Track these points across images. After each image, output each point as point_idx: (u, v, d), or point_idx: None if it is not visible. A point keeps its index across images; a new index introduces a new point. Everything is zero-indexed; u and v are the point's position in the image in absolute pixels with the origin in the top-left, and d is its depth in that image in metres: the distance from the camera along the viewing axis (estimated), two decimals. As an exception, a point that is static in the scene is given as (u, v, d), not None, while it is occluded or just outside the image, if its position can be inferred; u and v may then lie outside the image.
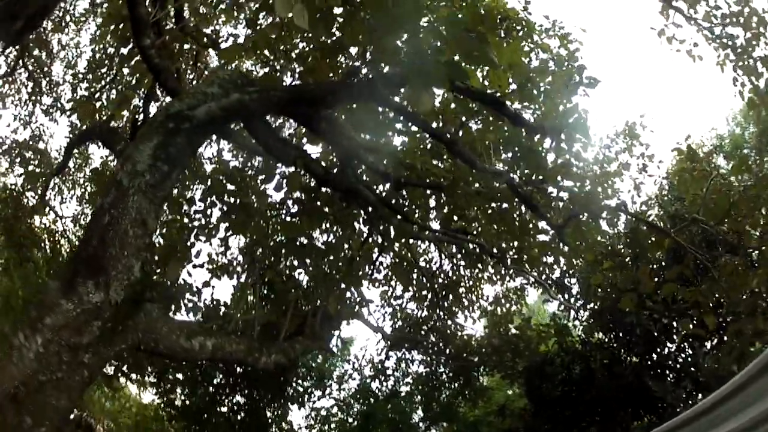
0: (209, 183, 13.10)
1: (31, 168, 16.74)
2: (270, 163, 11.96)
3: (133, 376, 20.74)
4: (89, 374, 6.68)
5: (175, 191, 13.11)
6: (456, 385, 18.74)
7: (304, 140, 11.40)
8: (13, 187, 16.90)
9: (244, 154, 12.74)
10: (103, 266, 6.81)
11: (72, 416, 22.79)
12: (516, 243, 11.62)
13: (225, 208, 12.30)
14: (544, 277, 14.31)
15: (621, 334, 14.73)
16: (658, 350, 14.66)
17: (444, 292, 16.16)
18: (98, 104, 14.53)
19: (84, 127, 14.48)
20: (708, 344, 14.22)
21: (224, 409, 21.63)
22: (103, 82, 15.11)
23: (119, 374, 20.12)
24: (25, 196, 16.55)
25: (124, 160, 7.69)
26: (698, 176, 13.63)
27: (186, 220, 13.24)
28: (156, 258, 12.49)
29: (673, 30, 11.77)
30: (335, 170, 10.50)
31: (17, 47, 16.19)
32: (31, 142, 17.30)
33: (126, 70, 14.11)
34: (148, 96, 12.58)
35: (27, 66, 16.53)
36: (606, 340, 15.19)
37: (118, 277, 6.77)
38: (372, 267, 14.83)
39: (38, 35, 16.91)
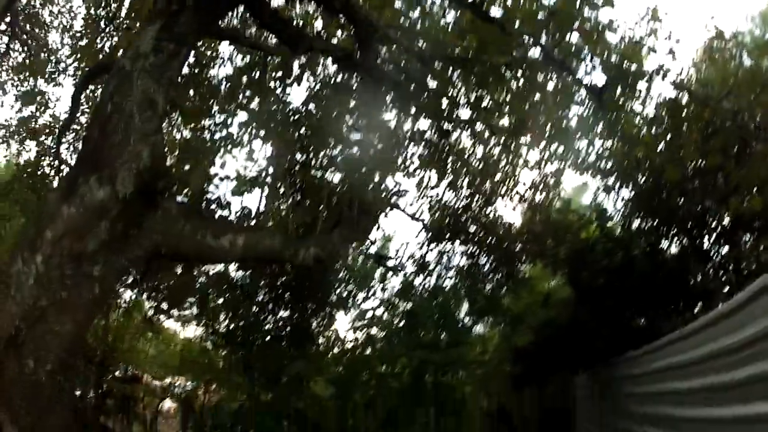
0: (227, 86, 12.86)
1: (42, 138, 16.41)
2: (287, 61, 11.29)
3: (174, 312, 20.96)
4: (100, 290, 6.09)
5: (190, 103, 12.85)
6: (499, 276, 18.50)
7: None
8: (27, 162, 16.63)
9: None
10: (106, 158, 6.23)
11: (118, 372, 23.27)
12: (550, 119, 11.05)
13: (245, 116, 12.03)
14: (579, 160, 13.84)
15: (662, 219, 14.19)
16: (700, 238, 14.13)
17: (480, 180, 15.81)
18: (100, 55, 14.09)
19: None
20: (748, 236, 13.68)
21: (269, 327, 21.81)
22: (101, 30, 14.56)
23: (158, 313, 20.33)
24: (41, 167, 16.30)
25: (127, 48, 7.35)
26: (727, 58, 13.17)
27: (207, 134, 13.03)
28: (174, 160, 12.23)
29: None
30: (356, 53, 10.09)
31: (8, 29, 15.94)
32: (38, 113, 16.94)
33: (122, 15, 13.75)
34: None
35: (23, 40, 16.25)
36: (647, 227, 14.68)
37: (125, 166, 6.17)
38: (404, 156, 14.43)
39: (28, 13, 16.73)
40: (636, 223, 14.87)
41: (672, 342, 9.57)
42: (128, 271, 7.33)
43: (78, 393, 21.49)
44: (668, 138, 11.55)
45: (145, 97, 6.47)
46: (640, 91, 10.34)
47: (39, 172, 16.14)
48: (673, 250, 14.55)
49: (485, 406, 20.84)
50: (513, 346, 17.98)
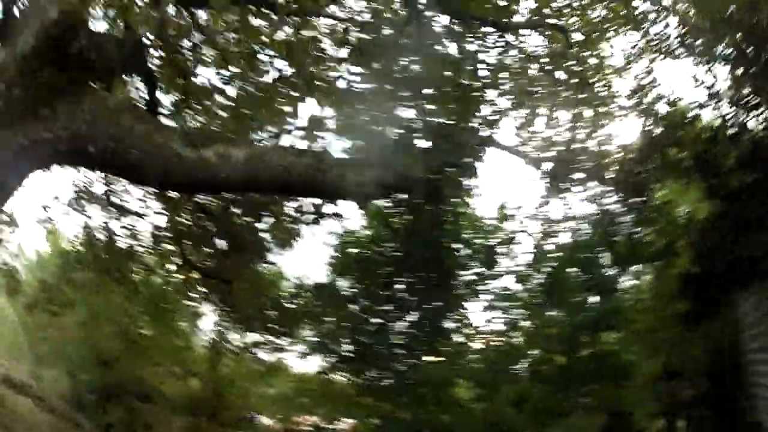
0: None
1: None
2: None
3: (285, 344, 22.30)
4: None
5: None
6: (632, 212, 18.87)
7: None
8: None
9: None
10: (11, 24, 6.19)
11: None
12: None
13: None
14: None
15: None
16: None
17: (575, 103, 16.46)
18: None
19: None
20: None
21: (397, 337, 22.97)
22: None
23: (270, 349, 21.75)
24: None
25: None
26: None
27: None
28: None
29: None
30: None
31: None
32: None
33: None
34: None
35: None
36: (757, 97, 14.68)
37: (29, 23, 5.97)
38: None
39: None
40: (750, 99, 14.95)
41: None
42: (31, 158, 6.01)
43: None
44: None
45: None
46: None
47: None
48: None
49: (650, 369, 20.79)
50: (670, 283, 18.25)
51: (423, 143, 11.97)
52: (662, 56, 15.29)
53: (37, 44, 5.80)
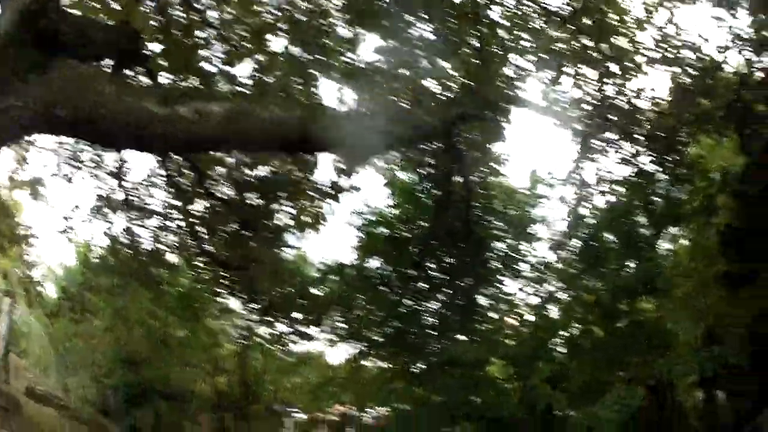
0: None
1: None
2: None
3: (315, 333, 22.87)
4: None
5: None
6: (665, 172, 18.93)
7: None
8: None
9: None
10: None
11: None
12: None
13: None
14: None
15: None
16: None
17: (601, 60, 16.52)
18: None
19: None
20: None
21: (429, 319, 23.40)
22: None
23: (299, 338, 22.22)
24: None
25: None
26: None
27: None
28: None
29: None
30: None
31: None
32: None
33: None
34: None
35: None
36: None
37: (10, 8, 6.39)
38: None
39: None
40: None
41: None
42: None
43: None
44: None
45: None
46: None
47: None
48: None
49: (692, 337, 20.80)
50: (709, 243, 18.29)
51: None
52: (680, 3, 15.37)
53: (12, 25, 6.12)
